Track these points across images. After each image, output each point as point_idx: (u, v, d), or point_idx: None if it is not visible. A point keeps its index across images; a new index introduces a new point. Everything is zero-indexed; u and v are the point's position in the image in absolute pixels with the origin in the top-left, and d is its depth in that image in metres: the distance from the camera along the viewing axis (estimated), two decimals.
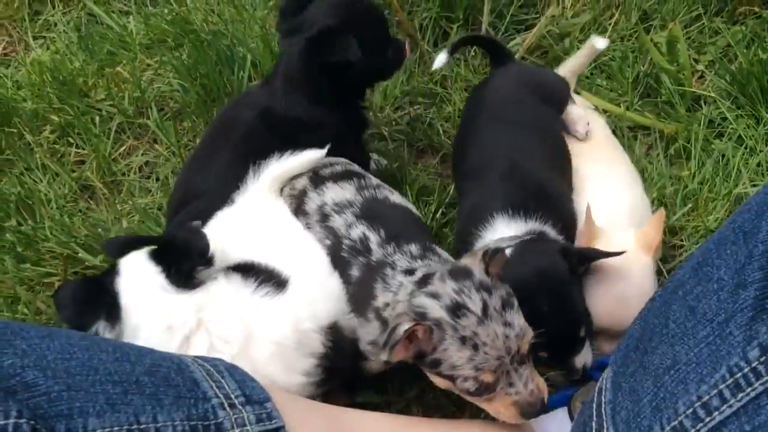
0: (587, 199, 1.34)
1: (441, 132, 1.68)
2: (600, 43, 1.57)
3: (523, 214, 1.26)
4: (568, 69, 1.63)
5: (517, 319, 0.97)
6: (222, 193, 1.32)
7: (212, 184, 1.36)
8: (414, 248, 1.16)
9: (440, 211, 1.52)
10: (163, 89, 1.79)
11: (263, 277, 1.13)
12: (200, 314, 1.06)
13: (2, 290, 1.45)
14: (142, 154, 1.69)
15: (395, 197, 1.29)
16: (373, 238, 1.17)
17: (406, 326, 0.94)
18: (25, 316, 1.41)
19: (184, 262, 1.09)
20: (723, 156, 1.56)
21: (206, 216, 1.29)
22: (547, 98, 1.48)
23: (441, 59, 1.59)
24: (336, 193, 1.26)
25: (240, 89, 1.72)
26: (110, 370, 0.78)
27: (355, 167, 1.35)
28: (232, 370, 0.87)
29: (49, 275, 1.48)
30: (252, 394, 0.84)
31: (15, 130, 1.71)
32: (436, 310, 0.97)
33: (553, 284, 1.15)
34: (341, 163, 1.34)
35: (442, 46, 1.82)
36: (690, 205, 1.48)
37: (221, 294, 1.10)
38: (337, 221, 1.22)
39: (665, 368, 0.75)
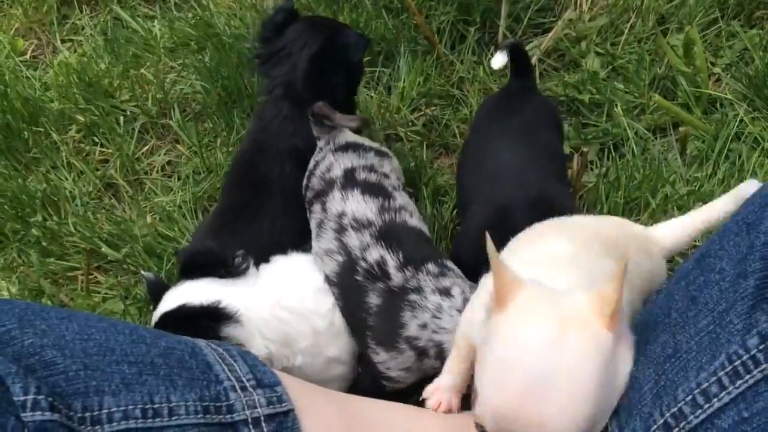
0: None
1: (457, 134, 1.70)
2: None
3: None
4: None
5: None
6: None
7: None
8: (432, 266, 1.16)
9: (455, 211, 1.54)
10: (186, 91, 1.83)
11: None
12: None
13: (27, 283, 1.50)
14: (165, 154, 1.73)
15: (413, 220, 1.27)
16: (391, 263, 1.16)
17: None
18: None
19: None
20: (739, 157, 1.56)
21: None
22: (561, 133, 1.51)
23: (500, 60, 1.53)
24: (359, 206, 1.23)
25: (260, 91, 1.75)
26: (126, 351, 0.81)
27: (388, 181, 1.31)
28: (245, 355, 0.90)
29: (73, 269, 1.52)
30: (263, 378, 0.86)
31: (42, 130, 1.76)
32: None
33: None
34: (378, 171, 1.32)
35: (459, 48, 1.84)
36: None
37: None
38: (353, 240, 1.20)
39: (666, 356, 0.76)
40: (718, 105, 1.69)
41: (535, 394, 0.69)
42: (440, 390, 1.04)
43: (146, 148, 1.75)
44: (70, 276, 1.52)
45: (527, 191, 1.29)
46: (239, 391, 0.83)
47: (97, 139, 1.75)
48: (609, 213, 1.48)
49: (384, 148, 1.40)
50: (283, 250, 1.28)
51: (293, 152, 1.40)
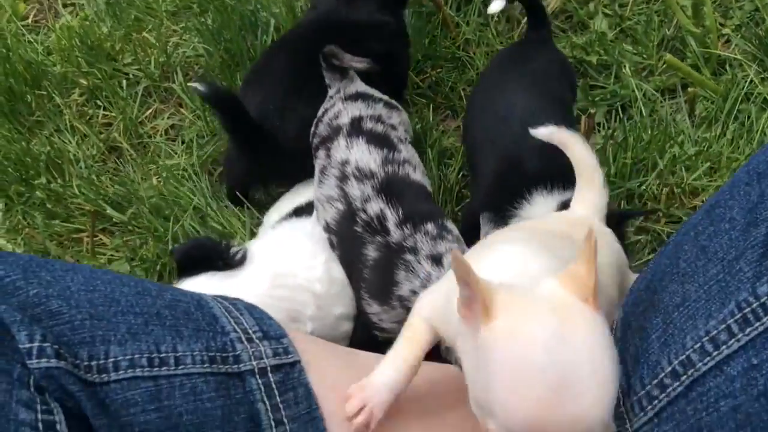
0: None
1: (463, 96, 1.69)
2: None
3: (562, 188, 1.23)
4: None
5: None
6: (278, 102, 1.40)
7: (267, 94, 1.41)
8: (431, 227, 1.16)
9: (461, 174, 1.53)
10: (189, 54, 1.81)
11: None
12: None
13: (33, 245, 1.49)
14: (168, 118, 1.72)
15: (416, 175, 1.27)
16: (391, 218, 1.16)
17: None
18: None
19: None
20: (748, 118, 1.54)
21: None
22: (573, 85, 1.50)
23: (497, 4, 1.52)
24: (363, 156, 1.23)
25: None
26: (132, 302, 0.80)
27: (394, 133, 1.31)
28: (251, 309, 0.90)
29: (78, 231, 1.52)
30: (269, 330, 0.86)
31: (45, 93, 1.75)
32: None
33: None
34: (385, 122, 1.31)
35: (465, 10, 1.82)
36: (709, 164, 1.47)
37: None
38: (355, 190, 1.20)
39: (675, 305, 0.76)
40: (727, 66, 1.67)
41: (563, 392, 0.64)
42: (369, 390, 0.84)
43: (149, 111, 1.74)
44: (76, 238, 1.51)
45: (535, 139, 1.28)
46: (245, 342, 0.83)
47: (100, 103, 1.74)
48: (616, 174, 1.47)
49: (394, 102, 1.40)
50: None
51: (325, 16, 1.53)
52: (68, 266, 0.82)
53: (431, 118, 1.61)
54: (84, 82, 1.76)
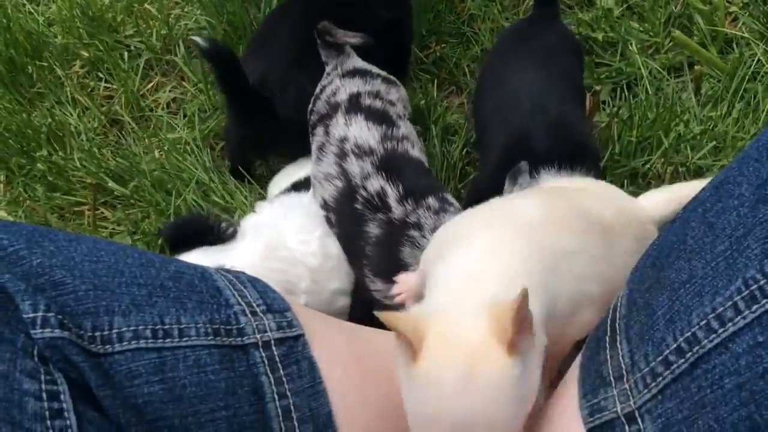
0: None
1: (467, 72, 1.68)
2: None
3: (569, 168, 1.22)
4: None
5: None
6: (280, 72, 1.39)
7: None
8: (432, 201, 1.15)
9: (465, 150, 1.52)
10: (191, 26, 1.80)
11: None
12: None
13: (34, 217, 1.49)
14: (170, 91, 1.70)
15: (414, 151, 1.26)
16: (391, 194, 1.15)
17: None
18: None
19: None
20: (754, 97, 1.53)
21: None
22: (581, 62, 1.48)
23: None
24: (362, 132, 1.22)
25: None
26: (136, 273, 0.80)
27: (393, 109, 1.30)
28: (255, 282, 0.89)
29: (80, 204, 1.52)
30: (273, 303, 0.86)
31: (46, 65, 1.73)
32: None
33: None
34: (383, 98, 1.30)
35: None
36: (714, 143, 1.46)
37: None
38: (354, 167, 1.19)
39: (681, 282, 0.75)
40: (734, 44, 1.66)
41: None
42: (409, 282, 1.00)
43: (151, 84, 1.72)
44: (77, 211, 1.51)
45: (545, 115, 1.27)
46: (249, 315, 0.83)
47: (101, 75, 1.72)
48: (621, 152, 1.46)
49: (392, 77, 1.38)
50: None
51: None
52: (72, 236, 0.82)
53: (435, 94, 1.59)
54: (85, 53, 1.75)
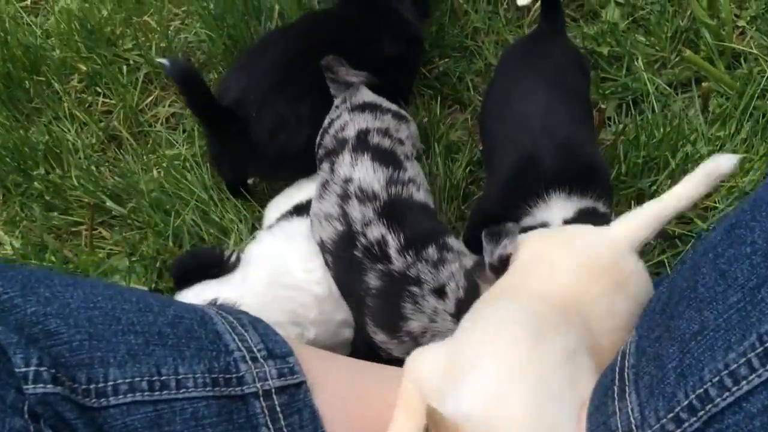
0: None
1: (470, 87, 1.65)
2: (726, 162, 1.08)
3: (579, 191, 1.20)
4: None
5: None
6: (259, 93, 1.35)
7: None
8: (431, 251, 1.13)
9: (468, 169, 1.50)
10: (190, 39, 1.77)
11: None
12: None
13: (30, 238, 1.47)
14: (169, 105, 1.68)
15: (420, 194, 1.22)
16: (392, 244, 1.12)
17: None
18: (52, 264, 1.42)
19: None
20: (763, 116, 1.51)
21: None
22: (587, 75, 1.46)
23: None
24: (367, 174, 1.19)
25: None
26: (133, 320, 0.78)
27: (401, 148, 1.27)
28: (256, 324, 0.87)
29: (77, 224, 1.49)
30: (275, 348, 0.84)
31: (43, 79, 1.71)
32: None
33: None
34: (392, 136, 1.26)
35: None
36: None
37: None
38: (356, 212, 1.16)
39: (692, 334, 0.73)
40: (742, 60, 1.64)
41: None
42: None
43: (150, 99, 1.70)
44: (74, 231, 1.49)
45: (554, 137, 1.25)
46: (250, 362, 0.81)
47: (99, 90, 1.70)
48: (627, 173, 1.44)
49: (403, 111, 1.35)
50: None
51: None
52: (68, 281, 0.80)
53: (438, 112, 1.57)
54: (83, 67, 1.72)
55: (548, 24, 1.49)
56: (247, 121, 1.34)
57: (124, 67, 1.72)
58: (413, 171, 1.24)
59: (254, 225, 1.47)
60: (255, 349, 0.83)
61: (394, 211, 1.16)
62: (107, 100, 1.69)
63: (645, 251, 1.39)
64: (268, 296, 1.14)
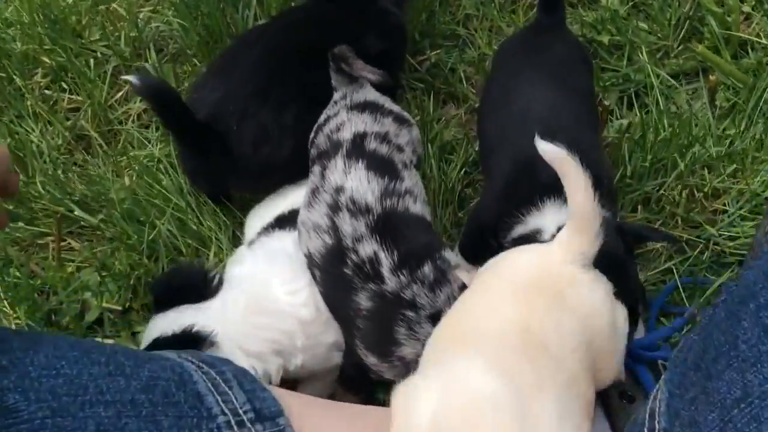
0: None
1: (463, 78, 1.55)
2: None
3: None
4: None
5: None
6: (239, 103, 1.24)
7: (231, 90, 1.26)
8: (427, 270, 1.04)
9: (464, 170, 1.41)
10: (162, 28, 1.65)
11: None
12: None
13: None
14: (141, 101, 1.56)
15: (416, 206, 1.13)
16: (385, 262, 1.03)
17: None
18: (18, 280, 1.32)
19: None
20: None
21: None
22: (589, 71, 1.37)
23: None
24: (361, 184, 1.09)
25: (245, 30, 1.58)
26: (102, 387, 0.69)
27: (399, 156, 1.17)
28: (241, 378, 0.79)
29: (43, 235, 1.39)
30: (263, 408, 0.75)
31: (4, 75, 1.59)
32: None
33: (613, 261, 1.04)
34: (391, 142, 1.16)
35: None
36: (735, 166, 1.35)
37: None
38: (347, 225, 1.07)
39: (734, 400, 0.65)
40: (749, 48, 1.55)
41: None
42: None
43: (120, 94, 1.58)
44: (41, 243, 1.38)
45: (555, 140, 1.17)
46: (235, 427, 0.72)
47: (65, 85, 1.58)
48: (632, 174, 1.35)
49: (406, 114, 1.25)
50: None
51: None
52: (28, 342, 0.70)
53: (431, 110, 1.47)
54: (47, 60, 1.60)
55: (548, 15, 1.39)
56: (226, 134, 1.24)
57: (92, 60, 1.60)
58: (410, 181, 1.14)
59: (235, 232, 1.37)
60: (241, 411, 0.74)
61: (388, 226, 1.07)
62: (74, 97, 1.57)
63: (651, 258, 1.32)
64: (248, 325, 1.05)
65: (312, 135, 1.21)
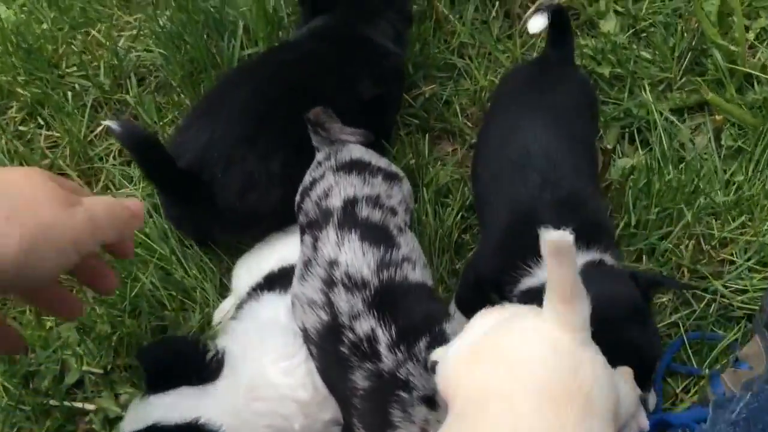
0: None
1: (458, 112, 1.49)
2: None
3: (585, 245, 1.06)
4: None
5: None
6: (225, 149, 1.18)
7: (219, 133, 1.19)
8: (423, 344, 0.98)
9: (460, 215, 1.35)
10: (144, 57, 1.57)
11: None
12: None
13: None
14: None
15: (416, 273, 1.06)
16: (383, 339, 0.98)
17: None
18: None
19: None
20: None
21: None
22: (594, 115, 1.32)
23: (540, 22, 1.30)
24: (356, 257, 1.03)
25: (232, 60, 1.51)
26: None
27: (394, 220, 1.10)
28: None
29: None
30: None
31: None
32: None
33: (630, 311, 1.00)
34: (384, 205, 1.10)
35: (459, 8, 1.60)
36: (745, 217, 1.30)
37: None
38: (343, 302, 1.01)
39: None
40: (754, 81, 1.49)
41: None
42: None
43: (100, 128, 1.51)
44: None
45: (555, 192, 1.11)
46: None
47: (41, 120, 1.50)
48: (638, 224, 1.30)
49: (394, 168, 1.19)
50: None
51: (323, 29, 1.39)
52: None
53: (426, 152, 1.40)
54: (22, 92, 1.52)
55: (555, 50, 1.33)
56: (210, 183, 1.17)
57: (69, 93, 1.52)
58: (407, 247, 1.08)
59: (222, 279, 1.31)
60: None
61: (386, 299, 1.01)
62: (51, 133, 1.49)
63: (657, 311, 1.27)
64: (247, 413, 1.00)
65: (298, 199, 1.15)
